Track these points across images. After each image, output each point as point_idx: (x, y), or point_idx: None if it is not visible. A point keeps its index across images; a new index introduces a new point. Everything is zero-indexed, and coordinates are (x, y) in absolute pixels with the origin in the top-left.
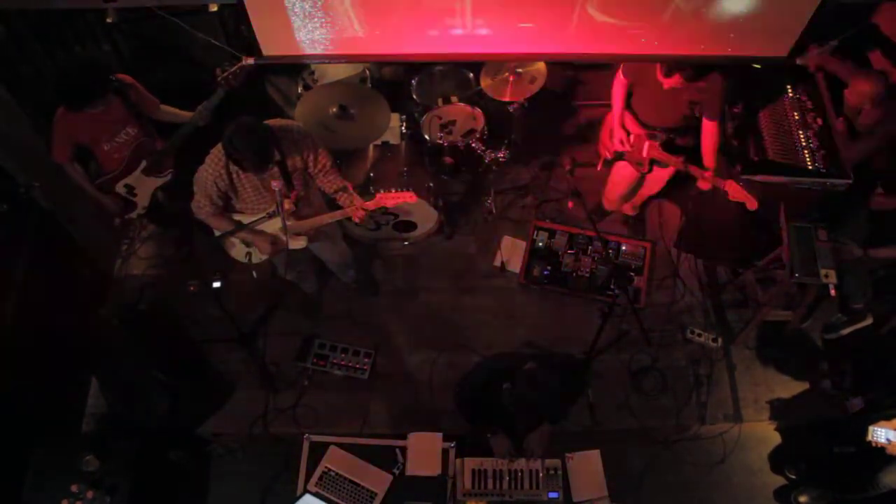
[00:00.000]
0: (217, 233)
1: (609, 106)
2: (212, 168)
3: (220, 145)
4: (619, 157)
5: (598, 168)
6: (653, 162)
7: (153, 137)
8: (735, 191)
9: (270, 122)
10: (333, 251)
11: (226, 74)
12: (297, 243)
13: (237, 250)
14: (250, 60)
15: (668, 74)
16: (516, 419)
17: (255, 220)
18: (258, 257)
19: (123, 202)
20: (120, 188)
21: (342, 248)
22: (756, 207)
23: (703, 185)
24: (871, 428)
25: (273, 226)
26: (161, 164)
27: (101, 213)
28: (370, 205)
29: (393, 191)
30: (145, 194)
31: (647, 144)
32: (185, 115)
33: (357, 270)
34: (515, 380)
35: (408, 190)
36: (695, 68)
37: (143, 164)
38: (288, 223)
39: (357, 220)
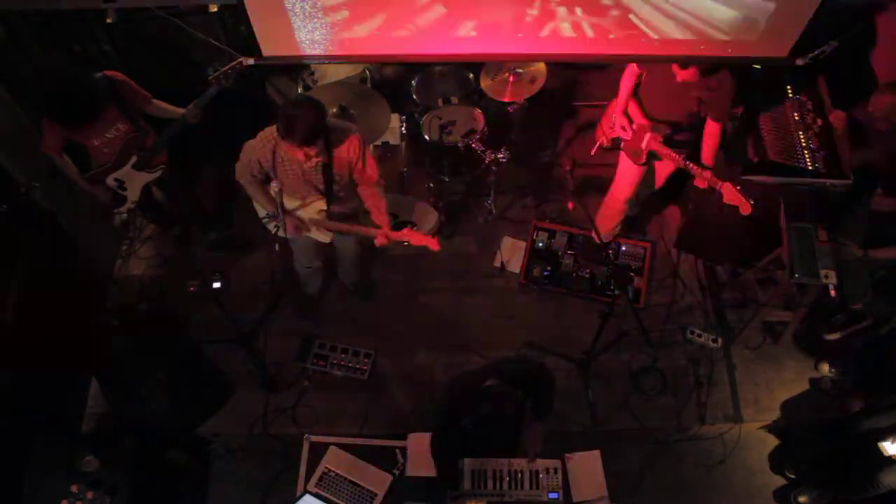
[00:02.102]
0: (255, 205)
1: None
2: (259, 145)
3: (274, 127)
4: (616, 145)
5: (592, 153)
6: (651, 155)
7: (145, 132)
8: (730, 194)
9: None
10: (352, 249)
11: (217, 74)
12: (325, 237)
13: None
14: (250, 61)
15: (684, 66)
16: (492, 441)
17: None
18: (284, 233)
19: (113, 195)
20: (110, 182)
21: (358, 250)
22: (749, 212)
23: (700, 183)
24: (883, 444)
25: (307, 212)
26: (151, 160)
27: (99, 212)
28: (395, 235)
29: (421, 232)
30: (135, 189)
31: (648, 136)
32: (177, 111)
33: (358, 273)
34: (474, 409)
35: (435, 237)
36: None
37: (134, 159)
38: (315, 217)
39: (377, 244)
